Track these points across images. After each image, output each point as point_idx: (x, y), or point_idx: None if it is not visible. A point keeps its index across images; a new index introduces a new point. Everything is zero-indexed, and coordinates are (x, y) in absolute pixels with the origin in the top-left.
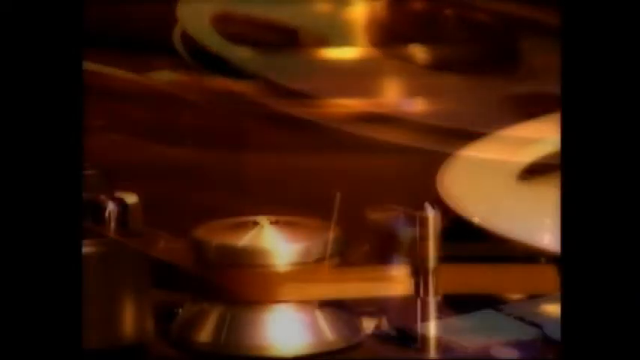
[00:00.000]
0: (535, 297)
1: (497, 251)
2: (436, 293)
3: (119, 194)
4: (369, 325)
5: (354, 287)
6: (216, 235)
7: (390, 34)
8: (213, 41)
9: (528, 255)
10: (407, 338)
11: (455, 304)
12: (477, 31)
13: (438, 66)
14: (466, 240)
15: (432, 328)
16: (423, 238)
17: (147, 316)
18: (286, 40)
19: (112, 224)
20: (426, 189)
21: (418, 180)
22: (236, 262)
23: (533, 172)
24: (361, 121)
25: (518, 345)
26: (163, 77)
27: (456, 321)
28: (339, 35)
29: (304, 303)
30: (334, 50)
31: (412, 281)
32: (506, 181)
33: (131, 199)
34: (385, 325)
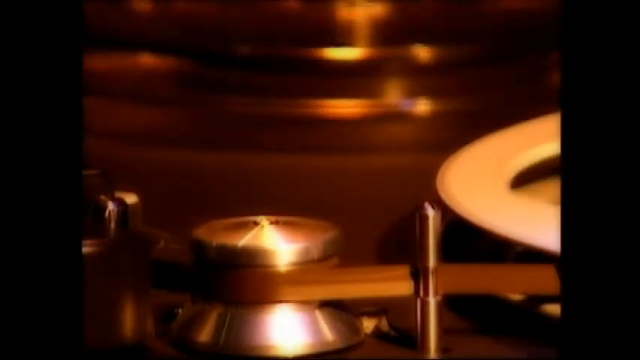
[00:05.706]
0: (535, 297)
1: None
2: (436, 293)
3: (119, 194)
4: (369, 325)
5: (354, 287)
6: (216, 235)
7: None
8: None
9: (528, 255)
10: (407, 338)
11: (455, 304)
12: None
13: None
14: (466, 240)
15: (432, 328)
16: (423, 237)
17: (147, 316)
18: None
19: (112, 224)
20: (426, 189)
21: (418, 180)
22: (236, 262)
23: (533, 172)
24: (362, 121)
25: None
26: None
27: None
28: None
29: (304, 303)
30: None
31: (412, 281)
32: (507, 181)
33: (131, 199)
34: (385, 325)
